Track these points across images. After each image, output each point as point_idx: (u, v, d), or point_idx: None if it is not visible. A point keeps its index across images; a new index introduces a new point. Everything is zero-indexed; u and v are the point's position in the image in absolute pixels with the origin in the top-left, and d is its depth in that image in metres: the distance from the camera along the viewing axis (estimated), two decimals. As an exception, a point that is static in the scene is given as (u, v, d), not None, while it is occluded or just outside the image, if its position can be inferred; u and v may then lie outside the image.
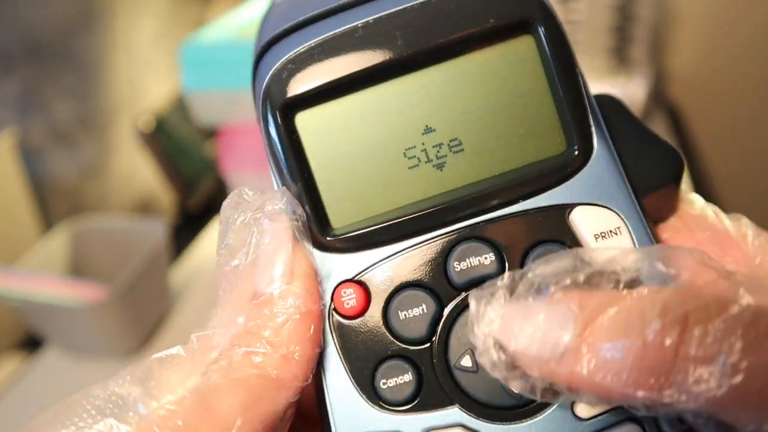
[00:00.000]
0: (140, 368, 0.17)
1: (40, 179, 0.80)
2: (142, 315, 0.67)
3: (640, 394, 0.14)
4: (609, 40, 0.83)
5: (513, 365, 0.15)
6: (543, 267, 0.16)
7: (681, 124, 0.99)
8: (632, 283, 0.15)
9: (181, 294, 0.75)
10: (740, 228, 0.18)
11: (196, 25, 1.10)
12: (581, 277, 0.15)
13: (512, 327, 0.15)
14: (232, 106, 0.70)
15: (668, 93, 1.03)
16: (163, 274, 0.71)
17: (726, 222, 0.19)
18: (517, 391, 0.16)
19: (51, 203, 0.82)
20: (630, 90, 0.83)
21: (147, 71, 0.99)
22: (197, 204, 0.96)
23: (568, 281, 0.15)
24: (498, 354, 0.15)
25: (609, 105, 0.20)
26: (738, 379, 0.13)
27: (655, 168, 0.19)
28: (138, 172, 0.97)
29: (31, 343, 0.74)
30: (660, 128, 0.94)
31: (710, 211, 0.19)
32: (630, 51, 0.84)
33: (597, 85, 0.85)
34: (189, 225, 0.93)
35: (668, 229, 0.19)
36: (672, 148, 0.19)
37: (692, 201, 0.20)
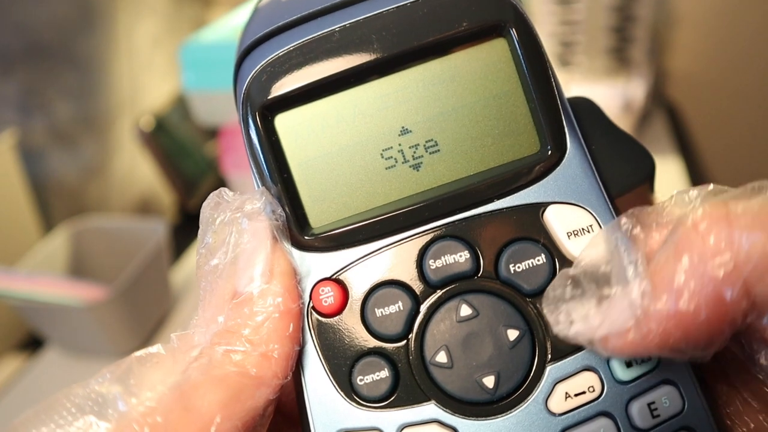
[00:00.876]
0: (120, 367, 0.17)
1: (40, 179, 0.80)
2: (143, 315, 0.67)
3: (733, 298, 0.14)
4: (609, 40, 0.83)
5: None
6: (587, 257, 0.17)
7: (681, 124, 0.99)
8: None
9: (181, 294, 0.76)
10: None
11: (197, 26, 1.10)
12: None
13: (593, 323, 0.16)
14: (232, 106, 0.70)
15: (668, 93, 1.03)
16: (164, 274, 0.71)
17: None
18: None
19: (51, 203, 0.82)
20: (630, 90, 0.83)
21: (147, 71, 0.99)
22: (198, 204, 0.96)
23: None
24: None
25: (584, 107, 0.20)
26: None
27: (629, 169, 0.19)
28: (138, 172, 0.97)
29: (32, 343, 0.74)
30: (660, 128, 0.94)
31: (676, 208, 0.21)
32: (630, 51, 0.84)
33: (597, 85, 0.85)
34: (189, 225, 0.93)
35: None
36: (645, 149, 0.20)
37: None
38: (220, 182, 0.98)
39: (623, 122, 0.83)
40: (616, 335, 0.15)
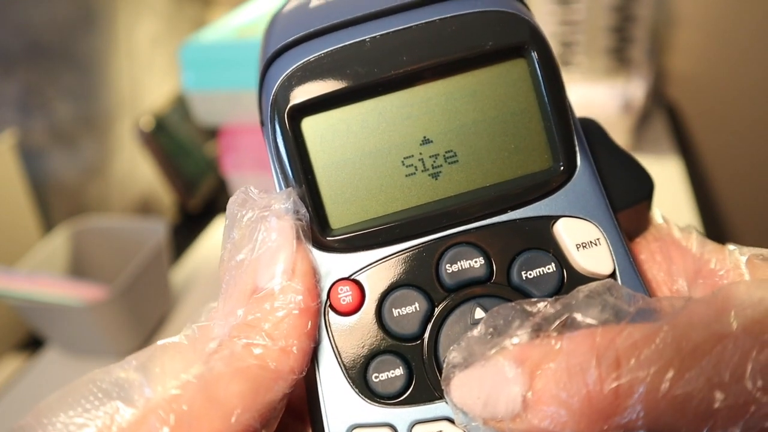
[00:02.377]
0: (144, 354, 0.18)
1: (40, 179, 0.80)
2: (143, 315, 0.67)
3: None
4: (609, 40, 0.83)
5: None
6: (491, 322, 0.16)
7: (681, 124, 0.99)
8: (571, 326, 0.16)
9: (181, 294, 0.76)
10: (689, 238, 0.20)
11: (197, 26, 1.10)
12: (523, 333, 0.16)
13: (468, 395, 0.16)
14: (233, 106, 0.70)
15: (668, 93, 1.03)
16: (164, 274, 0.71)
17: (676, 233, 0.21)
18: None
19: (51, 203, 0.82)
20: (630, 90, 0.83)
21: (147, 71, 0.99)
22: (198, 204, 0.96)
23: (508, 341, 0.16)
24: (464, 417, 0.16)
25: (590, 128, 0.21)
26: (677, 393, 0.14)
27: (631, 187, 0.20)
28: (138, 172, 0.97)
29: (32, 343, 0.74)
30: (660, 128, 0.94)
31: (660, 218, 0.21)
32: (630, 51, 0.84)
33: (597, 85, 0.85)
34: (189, 225, 0.93)
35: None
36: (645, 170, 0.21)
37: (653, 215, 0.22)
38: (220, 182, 0.98)
39: (623, 122, 0.83)
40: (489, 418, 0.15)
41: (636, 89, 0.83)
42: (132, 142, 0.93)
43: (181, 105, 0.95)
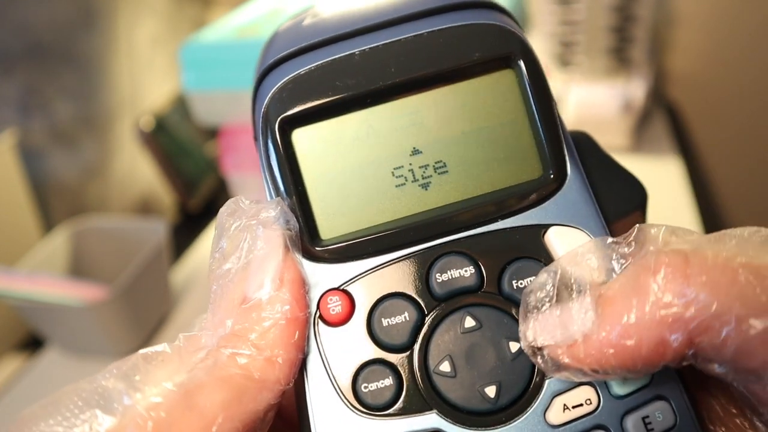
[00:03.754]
0: (126, 363, 0.17)
1: (40, 179, 0.80)
2: (143, 315, 0.67)
3: (674, 342, 0.15)
4: (609, 40, 0.83)
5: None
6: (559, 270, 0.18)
7: (681, 124, 0.99)
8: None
9: (181, 294, 0.76)
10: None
11: (197, 26, 1.10)
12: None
13: (547, 331, 0.17)
14: (233, 106, 0.70)
15: (668, 93, 1.03)
16: (164, 274, 0.71)
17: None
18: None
19: (51, 203, 0.82)
20: (630, 90, 0.83)
21: (147, 71, 0.99)
22: (198, 204, 0.96)
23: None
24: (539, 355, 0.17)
25: (583, 140, 0.22)
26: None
27: (623, 197, 0.21)
28: (138, 172, 0.97)
29: (32, 343, 0.74)
30: (660, 128, 0.94)
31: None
32: (630, 51, 0.84)
33: (597, 85, 0.85)
34: (189, 225, 0.93)
35: None
36: (638, 181, 0.21)
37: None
38: (220, 182, 0.98)
39: (623, 122, 0.84)
40: (553, 348, 0.17)
41: (636, 89, 0.83)
42: (132, 142, 0.93)
43: (181, 105, 0.95)
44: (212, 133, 0.97)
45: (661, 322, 0.15)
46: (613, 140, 0.85)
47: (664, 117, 0.97)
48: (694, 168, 0.90)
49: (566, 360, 0.16)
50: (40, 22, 0.77)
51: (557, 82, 0.88)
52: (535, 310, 0.17)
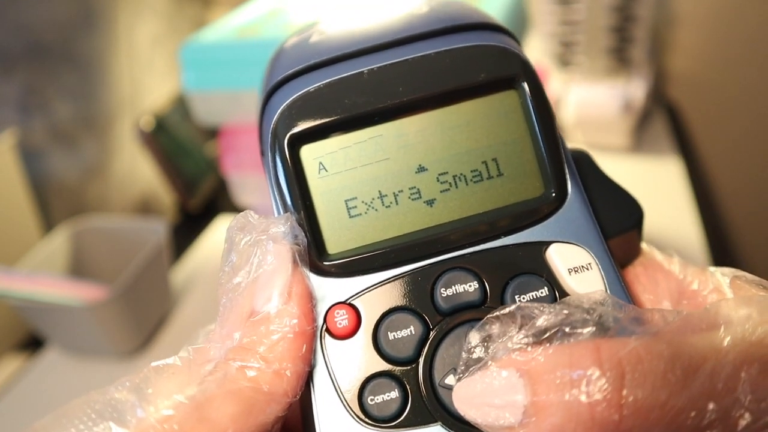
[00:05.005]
0: (138, 376, 0.18)
1: (40, 179, 0.80)
2: (143, 315, 0.67)
3: None
4: (609, 40, 0.83)
5: None
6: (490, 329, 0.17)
7: (681, 124, 0.99)
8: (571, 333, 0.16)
9: (181, 294, 0.76)
10: (671, 261, 0.21)
11: (197, 26, 1.10)
12: (525, 338, 0.16)
13: (473, 405, 0.16)
14: (233, 106, 0.70)
15: (668, 93, 1.03)
16: (164, 274, 0.71)
17: (658, 256, 0.22)
18: None
19: (52, 203, 0.82)
20: (630, 90, 0.83)
21: (148, 71, 0.99)
22: (198, 204, 0.96)
23: (510, 345, 0.16)
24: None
25: (581, 159, 0.22)
26: (677, 404, 0.14)
27: (620, 215, 0.21)
28: (138, 172, 0.97)
29: (32, 343, 0.74)
30: (660, 128, 0.94)
31: (645, 246, 0.22)
32: (630, 51, 0.84)
33: (597, 85, 0.85)
34: (189, 225, 0.93)
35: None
36: (635, 199, 0.22)
37: None
38: (221, 182, 0.98)
39: (623, 122, 0.83)
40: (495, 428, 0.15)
41: (636, 89, 0.83)
42: (132, 142, 0.93)
43: (181, 105, 0.95)
44: (212, 133, 0.97)
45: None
46: (613, 140, 0.85)
47: (664, 117, 0.97)
48: (694, 168, 0.90)
49: None
50: (40, 22, 0.77)
51: (557, 82, 0.88)
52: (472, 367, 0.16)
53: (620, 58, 0.85)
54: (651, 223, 0.77)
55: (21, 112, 0.77)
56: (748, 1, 0.86)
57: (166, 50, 1.03)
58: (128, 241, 0.71)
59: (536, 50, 0.89)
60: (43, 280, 0.62)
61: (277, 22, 0.71)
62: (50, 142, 0.81)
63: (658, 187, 0.80)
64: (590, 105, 0.84)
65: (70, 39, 0.83)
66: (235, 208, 0.91)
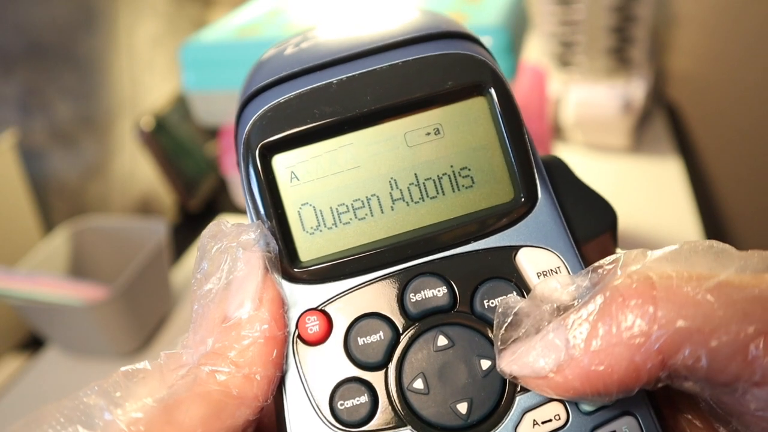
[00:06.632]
0: (107, 381, 0.18)
1: (41, 179, 0.80)
2: (143, 315, 0.67)
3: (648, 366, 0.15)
4: (609, 40, 0.83)
5: None
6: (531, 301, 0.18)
7: (681, 124, 0.99)
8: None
9: (181, 294, 0.76)
10: None
11: (197, 26, 1.10)
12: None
13: (519, 364, 0.17)
14: (233, 106, 0.70)
15: (668, 93, 1.03)
16: (164, 274, 0.71)
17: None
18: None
19: (52, 203, 0.82)
20: (630, 90, 0.83)
21: (148, 71, 0.99)
22: (198, 204, 0.96)
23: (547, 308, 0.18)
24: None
25: (555, 164, 0.22)
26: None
27: (593, 220, 0.21)
28: (138, 172, 0.97)
29: (32, 343, 0.74)
30: (660, 128, 0.94)
31: (619, 251, 0.23)
32: (630, 51, 0.84)
33: (597, 85, 0.85)
34: (190, 225, 0.94)
35: None
36: (608, 204, 0.22)
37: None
38: (220, 182, 0.98)
39: (623, 122, 0.84)
40: (536, 376, 0.17)
41: (636, 89, 0.83)
42: (132, 142, 0.93)
43: (181, 105, 0.95)
44: (212, 133, 0.97)
45: (630, 347, 0.15)
46: (613, 140, 0.85)
47: (664, 117, 0.97)
48: (694, 168, 0.90)
49: (540, 390, 0.17)
50: (40, 22, 0.77)
51: (557, 82, 0.88)
52: (508, 340, 0.18)
53: (620, 58, 0.85)
54: (651, 222, 0.77)
55: (21, 112, 0.77)
56: (748, 2, 0.86)
57: (166, 50, 1.03)
58: (128, 241, 0.71)
59: (536, 50, 0.89)
60: (43, 280, 0.62)
61: (277, 22, 0.71)
62: (50, 142, 0.81)
63: (658, 187, 0.80)
64: (590, 105, 0.84)
65: (70, 39, 0.83)
66: (235, 208, 0.91)
